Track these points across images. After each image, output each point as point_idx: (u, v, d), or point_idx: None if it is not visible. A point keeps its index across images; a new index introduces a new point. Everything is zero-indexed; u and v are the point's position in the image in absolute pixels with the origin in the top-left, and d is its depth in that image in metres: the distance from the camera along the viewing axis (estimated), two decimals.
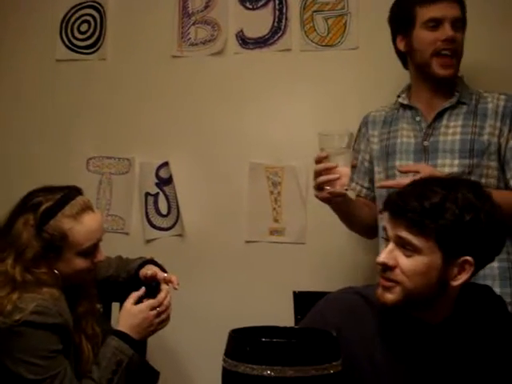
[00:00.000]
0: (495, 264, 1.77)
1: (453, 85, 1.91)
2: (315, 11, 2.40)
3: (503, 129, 1.85)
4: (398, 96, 2.00)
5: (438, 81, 1.88)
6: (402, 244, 1.33)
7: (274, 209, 2.41)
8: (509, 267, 1.84)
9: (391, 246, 1.35)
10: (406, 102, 1.97)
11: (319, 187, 1.74)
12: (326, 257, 2.35)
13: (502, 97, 1.89)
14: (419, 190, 1.35)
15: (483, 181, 1.82)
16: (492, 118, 1.86)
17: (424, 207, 1.30)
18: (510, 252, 1.85)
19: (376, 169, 2.00)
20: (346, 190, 1.73)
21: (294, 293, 1.94)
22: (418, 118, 1.94)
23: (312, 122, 2.36)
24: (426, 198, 1.31)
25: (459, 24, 1.87)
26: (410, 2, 1.89)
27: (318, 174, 1.73)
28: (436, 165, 1.84)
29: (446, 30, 1.83)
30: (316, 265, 2.35)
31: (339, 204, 1.84)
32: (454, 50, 1.85)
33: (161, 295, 1.74)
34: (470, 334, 1.41)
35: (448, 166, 1.84)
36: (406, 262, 1.32)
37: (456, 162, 1.84)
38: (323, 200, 1.78)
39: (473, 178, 1.80)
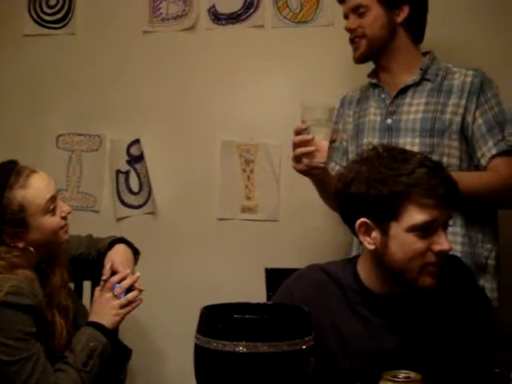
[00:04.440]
0: (458, 247, 1.80)
1: (415, 61, 1.90)
2: None
3: (469, 106, 1.82)
4: (369, 75, 2.00)
5: (367, 61, 1.94)
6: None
7: (247, 186, 2.40)
8: (471, 252, 1.84)
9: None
10: (374, 80, 1.97)
11: (297, 159, 1.74)
12: (298, 234, 2.36)
13: (470, 72, 1.85)
14: None
15: (445, 160, 1.80)
16: (457, 95, 1.84)
17: None
18: (471, 236, 1.84)
19: (349, 148, 2.01)
20: (324, 163, 1.72)
21: (266, 270, 1.94)
22: (383, 96, 1.93)
23: (285, 99, 2.35)
24: None
25: (357, 10, 1.88)
26: None
27: (296, 145, 1.73)
28: (398, 143, 1.84)
29: (347, 22, 1.91)
30: (288, 242, 2.36)
31: (318, 178, 1.84)
32: (356, 36, 1.89)
33: (113, 278, 1.74)
34: (433, 304, 1.43)
35: (409, 144, 1.83)
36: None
37: (417, 140, 1.84)
38: (301, 172, 1.77)
39: (434, 157, 1.76)
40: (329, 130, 1.71)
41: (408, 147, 1.77)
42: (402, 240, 1.36)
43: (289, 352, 1.04)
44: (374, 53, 1.91)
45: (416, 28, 1.92)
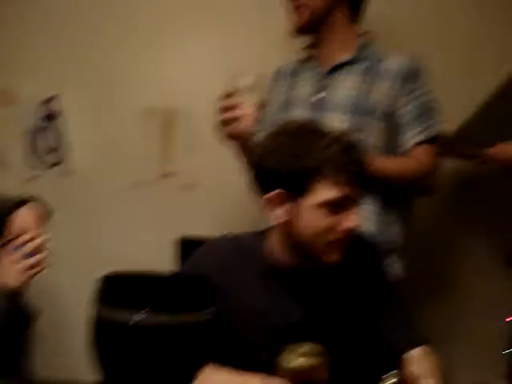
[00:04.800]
0: (372, 225, 1.82)
1: (351, 40, 1.90)
2: None
3: (400, 91, 1.84)
4: (304, 48, 1.99)
5: (305, 33, 1.91)
6: None
7: (167, 151, 2.35)
8: (383, 232, 1.87)
9: None
10: (309, 54, 1.97)
11: (225, 124, 1.72)
12: (217, 202, 2.33)
13: (406, 58, 1.87)
14: None
15: (371, 140, 1.82)
16: (390, 78, 1.85)
17: None
18: (386, 216, 1.87)
19: (278, 119, 1.97)
20: (252, 129, 1.71)
21: (181, 238, 1.91)
22: (317, 71, 1.93)
23: (209, 64, 2.30)
24: None
25: None
26: None
27: (222, 110, 1.71)
28: (327, 118, 1.83)
29: None
30: (207, 210, 2.33)
31: (243, 144, 1.81)
32: (300, 5, 1.87)
33: (21, 238, 1.67)
34: (340, 279, 1.45)
35: (338, 121, 1.83)
36: None
37: (346, 117, 1.84)
38: (228, 137, 1.76)
39: (361, 135, 1.80)
40: (258, 97, 1.71)
41: (337, 123, 1.80)
42: (312, 215, 1.36)
43: (187, 325, 1.02)
44: (314, 25, 1.89)
45: (356, 6, 1.92)
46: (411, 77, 1.85)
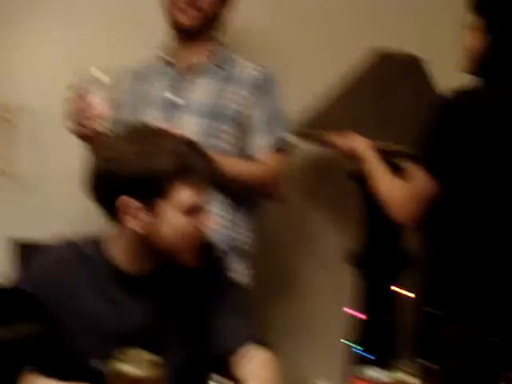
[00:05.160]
0: (220, 230, 1.83)
1: (211, 46, 1.93)
2: None
3: (252, 99, 1.89)
4: (158, 49, 1.98)
5: (185, 33, 1.90)
6: None
7: (6, 150, 2.22)
8: (231, 236, 1.91)
9: None
10: (163, 55, 1.96)
11: (76, 123, 1.67)
12: (57, 205, 2.22)
13: (259, 68, 1.92)
14: None
15: (223, 145, 1.87)
16: (243, 86, 1.90)
17: None
18: (234, 220, 1.91)
19: (129, 119, 1.91)
20: (104, 128, 1.66)
21: (18, 241, 1.81)
22: (172, 73, 1.93)
23: (56, 60, 2.21)
24: None
25: None
26: None
27: (74, 110, 1.65)
28: (181, 120, 1.85)
29: None
30: (47, 212, 2.21)
31: (95, 144, 1.73)
32: (194, 5, 1.86)
33: None
34: (184, 284, 1.45)
35: (191, 124, 1.85)
36: None
37: (199, 121, 1.86)
38: (79, 136, 1.71)
39: (213, 140, 1.84)
40: (110, 95, 1.66)
41: (190, 127, 1.83)
42: (173, 219, 1.36)
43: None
44: (199, 31, 1.90)
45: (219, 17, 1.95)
46: (263, 86, 1.91)
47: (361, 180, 1.94)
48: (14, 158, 2.23)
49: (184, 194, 1.35)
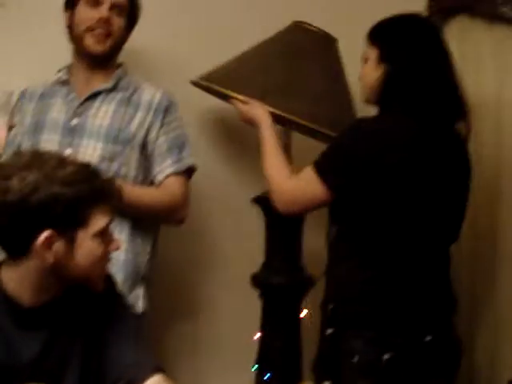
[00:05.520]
0: (122, 255, 1.81)
1: (111, 69, 1.91)
2: None
3: (154, 123, 1.88)
4: (59, 71, 1.94)
5: (92, 58, 1.87)
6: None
7: None
8: (132, 260, 1.88)
9: None
10: (64, 77, 1.92)
11: None
12: None
13: (159, 92, 1.91)
14: None
15: (123, 169, 1.84)
16: (144, 110, 1.88)
17: None
18: (135, 244, 1.88)
19: (25, 143, 1.88)
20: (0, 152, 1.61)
21: None
22: (71, 96, 1.89)
23: None
24: None
25: (119, 10, 1.87)
26: None
27: None
28: (80, 145, 1.82)
29: (103, 11, 1.84)
30: None
31: None
32: (107, 30, 1.85)
33: None
34: (81, 313, 1.41)
35: (91, 148, 1.82)
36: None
37: (100, 145, 1.83)
38: None
39: (114, 165, 1.81)
40: (6, 117, 1.61)
41: (90, 151, 1.80)
42: (88, 247, 1.33)
43: None
44: (108, 56, 1.88)
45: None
46: (164, 110, 1.91)
47: (265, 205, 1.95)
48: None
49: (98, 219, 1.33)
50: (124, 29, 1.89)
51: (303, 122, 1.89)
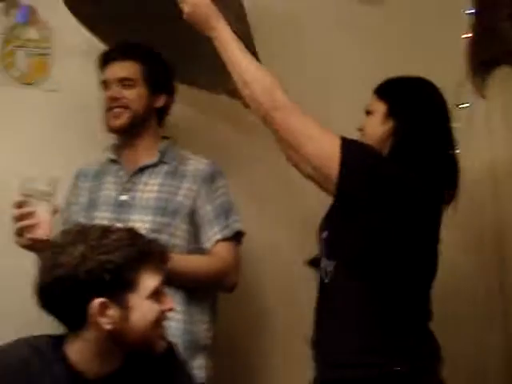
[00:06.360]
0: (178, 325, 1.82)
1: (151, 139, 1.97)
2: (17, 46, 2.26)
3: (200, 192, 1.91)
4: (107, 150, 2.01)
5: (118, 133, 1.96)
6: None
7: None
8: (190, 330, 1.87)
9: None
10: (112, 156, 1.99)
11: (19, 234, 1.68)
12: (9, 307, 2.10)
13: (204, 161, 1.96)
14: None
15: (173, 240, 1.86)
16: (190, 180, 1.92)
17: None
18: (191, 314, 1.88)
19: (80, 221, 1.92)
20: (48, 236, 1.65)
21: None
22: (120, 173, 1.95)
23: (7, 165, 2.19)
24: None
25: (128, 82, 1.93)
26: None
27: (16, 219, 1.67)
28: (130, 220, 1.85)
29: (111, 90, 1.93)
30: None
31: (42, 252, 1.73)
32: (121, 105, 1.92)
33: None
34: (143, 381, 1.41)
35: (140, 222, 1.85)
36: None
37: (148, 219, 1.86)
38: (25, 247, 1.72)
39: (163, 236, 1.83)
40: (51, 202, 1.67)
41: (139, 224, 1.80)
42: (142, 309, 1.35)
43: None
44: (132, 127, 1.93)
45: (163, 113, 2.01)
46: (209, 178, 1.94)
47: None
48: None
49: (148, 280, 1.35)
50: (145, 97, 1.94)
51: None
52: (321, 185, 1.63)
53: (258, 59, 1.83)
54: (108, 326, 1.33)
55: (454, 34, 1.99)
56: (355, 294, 1.60)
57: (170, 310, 1.41)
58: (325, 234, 1.70)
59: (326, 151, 1.57)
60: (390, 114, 1.68)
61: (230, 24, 1.73)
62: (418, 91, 1.71)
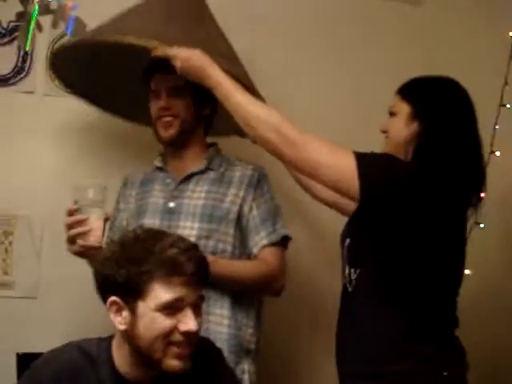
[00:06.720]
0: (224, 330, 1.84)
1: (199, 147, 1.99)
2: None
3: (247, 197, 1.93)
4: (155, 158, 2.04)
5: (167, 144, 1.97)
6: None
7: (4, 260, 2.22)
8: (236, 335, 1.88)
9: None
10: (160, 164, 2.02)
11: (72, 241, 1.71)
12: (59, 313, 2.20)
13: (250, 167, 1.98)
14: None
15: (220, 246, 1.88)
16: (236, 186, 1.94)
17: None
18: (237, 319, 1.89)
19: (130, 228, 1.94)
20: (100, 243, 1.70)
21: (18, 355, 1.76)
22: (168, 181, 1.98)
23: (52, 171, 2.25)
24: None
25: (178, 91, 1.93)
26: None
27: (69, 227, 1.70)
28: (178, 226, 1.88)
29: (161, 100, 1.93)
30: (48, 322, 2.18)
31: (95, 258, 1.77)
32: (171, 115, 1.93)
33: None
34: None
35: (188, 228, 1.87)
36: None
37: (196, 225, 1.88)
38: (77, 254, 1.75)
39: (211, 242, 1.86)
40: (102, 210, 1.70)
41: (187, 231, 1.84)
42: (150, 319, 1.35)
43: None
44: (182, 136, 1.94)
45: (210, 121, 2.02)
46: (255, 184, 1.96)
47: None
48: (14, 267, 2.21)
49: (161, 292, 1.35)
50: (193, 106, 1.95)
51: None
52: (337, 206, 1.89)
53: (259, 96, 1.88)
54: (121, 327, 1.37)
55: (498, 33, 1.98)
56: (379, 303, 1.60)
57: (188, 332, 1.36)
58: (347, 242, 1.71)
59: (345, 175, 1.55)
60: (415, 116, 1.65)
61: (226, 70, 1.75)
62: (442, 91, 1.68)
